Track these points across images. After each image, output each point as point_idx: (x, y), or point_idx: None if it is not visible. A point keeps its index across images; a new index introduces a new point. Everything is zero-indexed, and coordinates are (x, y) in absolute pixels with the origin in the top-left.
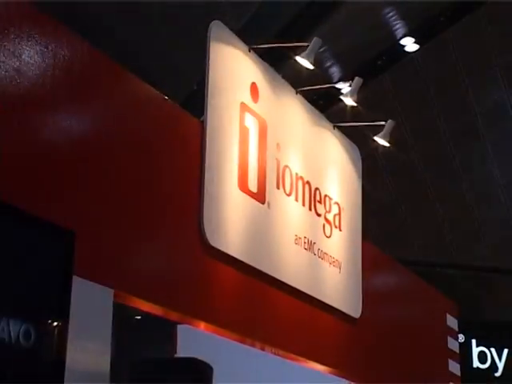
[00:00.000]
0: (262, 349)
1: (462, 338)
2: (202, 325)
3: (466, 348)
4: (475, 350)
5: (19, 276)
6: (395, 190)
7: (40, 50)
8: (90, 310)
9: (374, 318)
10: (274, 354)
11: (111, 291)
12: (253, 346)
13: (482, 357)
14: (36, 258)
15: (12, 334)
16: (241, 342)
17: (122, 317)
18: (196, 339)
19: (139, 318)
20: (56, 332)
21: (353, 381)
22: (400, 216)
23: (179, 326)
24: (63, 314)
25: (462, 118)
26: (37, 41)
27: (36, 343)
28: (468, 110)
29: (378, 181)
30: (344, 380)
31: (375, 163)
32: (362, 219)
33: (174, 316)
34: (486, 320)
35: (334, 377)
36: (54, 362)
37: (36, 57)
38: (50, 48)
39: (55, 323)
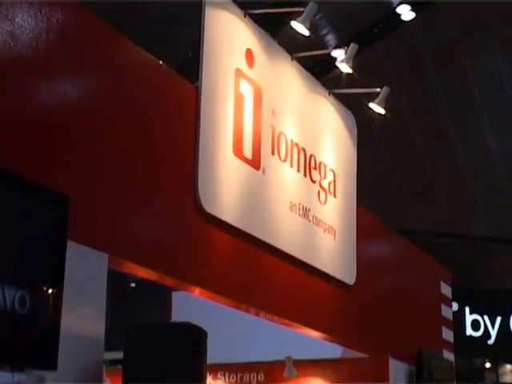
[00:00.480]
0: (257, 314)
1: (455, 306)
2: (197, 290)
3: (459, 316)
4: (468, 318)
5: (13, 242)
6: (391, 160)
7: (33, 13)
8: (85, 275)
9: (368, 285)
10: (269, 319)
11: (106, 256)
12: (247, 311)
13: (476, 325)
14: (30, 223)
15: (7, 300)
16: (236, 308)
17: (117, 285)
18: (190, 306)
19: (134, 285)
20: (51, 298)
21: (347, 347)
22: (395, 186)
23: (174, 293)
24: (58, 280)
25: (458, 88)
26: (30, 4)
27: (31, 309)
28: (464, 79)
29: (374, 150)
30: (338, 346)
31: (371, 132)
32: (357, 188)
33: (168, 281)
34: (479, 288)
35: (329, 343)
36: (49, 327)
37: (29, 20)
38: (43, 11)
39: (50, 289)
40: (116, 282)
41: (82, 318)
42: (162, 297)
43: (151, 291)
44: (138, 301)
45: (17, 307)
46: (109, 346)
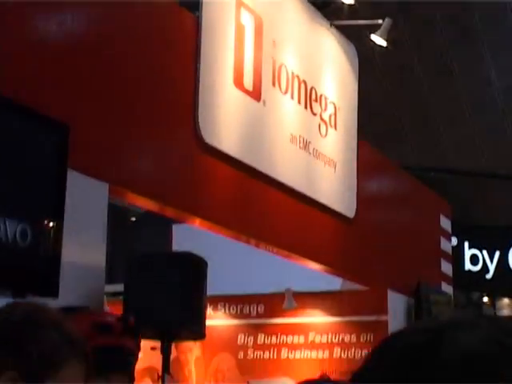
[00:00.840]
0: (257, 246)
1: (454, 241)
2: (197, 221)
3: (458, 251)
4: (467, 253)
5: (13, 174)
6: (392, 94)
7: None
8: (86, 205)
9: (368, 218)
10: (269, 251)
11: (106, 185)
12: (247, 242)
13: (474, 259)
14: (30, 153)
15: (9, 233)
16: (236, 239)
17: (118, 219)
18: (191, 239)
19: (134, 219)
20: (52, 230)
21: (347, 279)
22: (395, 121)
23: (174, 226)
24: (59, 211)
25: (460, 19)
26: None
27: (32, 242)
28: (467, 9)
29: (375, 83)
30: (338, 278)
31: (372, 64)
32: (358, 121)
33: (169, 212)
34: (478, 224)
35: (328, 275)
36: (50, 257)
37: None
38: None
39: (51, 221)
40: (116, 216)
41: (83, 247)
42: (162, 230)
43: (152, 225)
44: (139, 235)
45: (18, 240)
46: (110, 280)
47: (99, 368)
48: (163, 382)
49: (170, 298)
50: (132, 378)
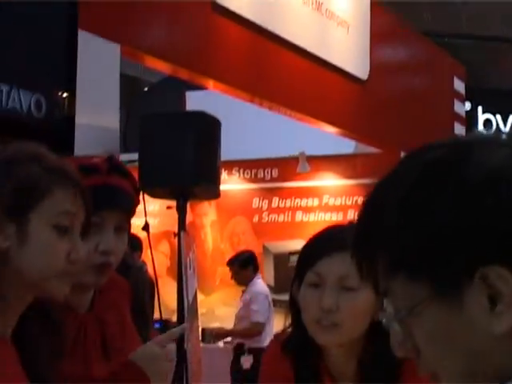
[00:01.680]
0: (270, 108)
1: (468, 106)
2: (211, 83)
3: (471, 116)
4: (481, 118)
5: (24, 44)
6: None
7: None
8: (98, 68)
9: (382, 81)
10: (283, 113)
11: (118, 46)
12: (260, 105)
13: (488, 124)
14: (39, 20)
15: (24, 105)
16: (249, 101)
17: (132, 88)
18: (204, 105)
19: (147, 89)
20: (66, 98)
21: (360, 141)
22: None
23: (187, 93)
24: (71, 77)
25: None
26: None
27: (48, 112)
28: None
29: None
30: (351, 141)
31: None
32: None
33: (183, 74)
34: (492, 87)
35: (342, 138)
36: (66, 124)
37: None
38: None
39: (64, 89)
40: (130, 86)
41: (97, 111)
42: (175, 99)
43: (165, 94)
44: (152, 104)
45: (33, 111)
46: (125, 149)
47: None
48: (179, 238)
49: (185, 157)
50: (128, 218)
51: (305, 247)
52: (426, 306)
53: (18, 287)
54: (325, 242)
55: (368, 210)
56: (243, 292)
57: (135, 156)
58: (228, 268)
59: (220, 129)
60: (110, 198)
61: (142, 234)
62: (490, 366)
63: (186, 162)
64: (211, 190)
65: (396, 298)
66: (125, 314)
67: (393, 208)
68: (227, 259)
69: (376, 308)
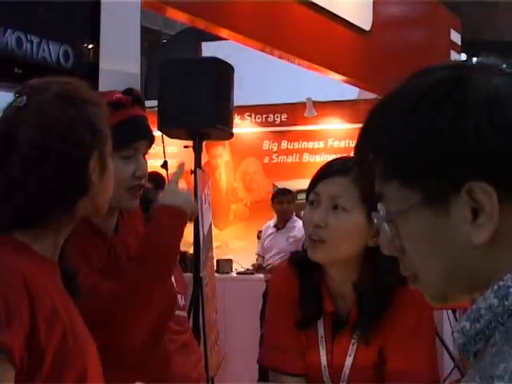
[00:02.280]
0: (280, 57)
1: (464, 57)
2: (226, 32)
3: None
4: None
5: None
6: None
7: None
8: (121, 19)
9: (384, 32)
10: (291, 62)
11: None
12: (271, 54)
13: None
14: None
15: (53, 55)
16: (261, 50)
17: (152, 40)
18: (218, 54)
19: (166, 41)
20: (91, 46)
21: (363, 88)
22: None
23: (203, 44)
24: (95, 26)
25: None
26: None
27: (74, 62)
28: None
29: None
30: (355, 88)
31: None
32: None
33: (200, 24)
34: (487, 40)
35: (346, 85)
36: (91, 70)
37: None
38: None
39: (89, 41)
40: (150, 38)
41: (120, 59)
42: (192, 49)
43: (182, 45)
44: (170, 55)
45: (62, 61)
46: (146, 96)
47: (126, 141)
48: (195, 175)
49: (200, 100)
50: (151, 144)
51: (314, 173)
52: (414, 211)
53: (87, 213)
54: (327, 168)
55: (373, 119)
56: (283, 228)
57: (155, 103)
58: (243, 203)
59: (233, 73)
60: (140, 129)
61: (162, 172)
62: (467, 272)
63: (202, 104)
64: (225, 131)
65: (389, 202)
66: None
67: (396, 120)
68: (240, 197)
69: (370, 234)
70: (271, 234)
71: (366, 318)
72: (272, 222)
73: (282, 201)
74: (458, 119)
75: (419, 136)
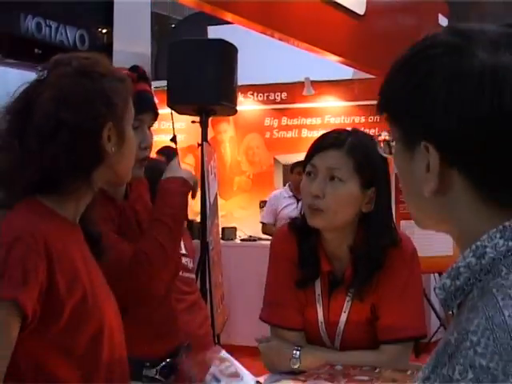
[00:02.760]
0: (280, 39)
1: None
2: (230, 16)
3: None
4: None
5: None
6: None
7: None
8: (132, 4)
9: (376, 16)
10: (291, 44)
11: None
12: (272, 36)
13: None
14: None
15: (70, 39)
16: (262, 33)
17: (161, 25)
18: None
19: (174, 26)
20: (105, 31)
21: (358, 68)
22: None
23: (209, 28)
24: (109, 12)
25: None
26: None
27: (90, 45)
28: None
29: None
30: (350, 68)
31: None
32: None
33: (207, 8)
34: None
35: (342, 65)
36: (105, 50)
37: None
38: None
39: (103, 23)
40: (159, 23)
41: (131, 42)
42: (199, 33)
43: (189, 30)
44: (178, 38)
45: (78, 44)
46: (156, 77)
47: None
48: (202, 148)
49: (207, 78)
50: (155, 117)
51: (310, 145)
52: (396, 144)
53: (103, 181)
54: (323, 140)
55: (387, 73)
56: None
57: (164, 83)
58: (246, 175)
59: (237, 54)
60: (145, 102)
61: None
62: (428, 214)
63: (208, 82)
64: (229, 108)
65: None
66: (149, 205)
67: (393, 73)
68: (243, 170)
69: (364, 201)
70: (289, 204)
71: (360, 278)
72: (284, 193)
73: (301, 171)
74: (449, 86)
75: (411, 90)
